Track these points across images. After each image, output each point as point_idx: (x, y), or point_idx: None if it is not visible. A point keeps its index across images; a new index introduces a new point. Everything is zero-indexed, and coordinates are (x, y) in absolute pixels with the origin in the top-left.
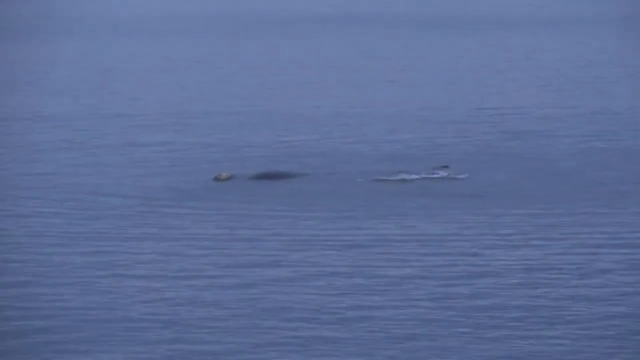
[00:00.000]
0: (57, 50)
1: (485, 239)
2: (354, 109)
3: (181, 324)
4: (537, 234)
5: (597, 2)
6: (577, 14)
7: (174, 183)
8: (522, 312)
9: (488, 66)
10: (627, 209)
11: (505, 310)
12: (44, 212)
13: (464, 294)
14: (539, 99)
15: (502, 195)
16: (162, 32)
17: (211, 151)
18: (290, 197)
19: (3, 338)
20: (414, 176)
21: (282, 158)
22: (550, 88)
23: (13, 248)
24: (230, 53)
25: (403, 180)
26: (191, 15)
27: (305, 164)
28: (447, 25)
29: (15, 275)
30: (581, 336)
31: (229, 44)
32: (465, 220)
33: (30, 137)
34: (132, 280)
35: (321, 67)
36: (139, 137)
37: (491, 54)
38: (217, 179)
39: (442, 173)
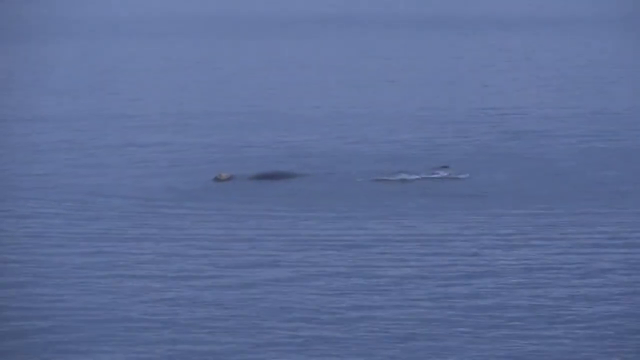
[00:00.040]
0: (57, 51)
1: (485, 239)
2: (354, 109)
3: (181, 324)
4: (537, 234)
5: (597, 2)
6: (577, 14)
7: (174, 183)
8: (522, 312)
9: (488, 66)
10: (627, 209)
11: (505, 310)
12: (44, 212)
13: (463, 294)
14: (539, 99)
15: (502, 195)
16: (162, 32)
17: (211, 151)
18: (290, 198)
19: (3, 338)
20: (414, 176)
21: (282, 158)
22: (550, 88)
23: (13, 248)
24: (230, 53)
25: (403, 181)
26: (191, 15)
27: (305, 164)
28: (447, 25)
29: (14, 276)
30: (581, 336)
31: (229, 44)
32: (465, 220)
33: (30, 138)
34: (132, 281)
35: (321, 67)
36: (139, 138)
37: (491, 54)
38: (217, 179)
39: (442, 173)
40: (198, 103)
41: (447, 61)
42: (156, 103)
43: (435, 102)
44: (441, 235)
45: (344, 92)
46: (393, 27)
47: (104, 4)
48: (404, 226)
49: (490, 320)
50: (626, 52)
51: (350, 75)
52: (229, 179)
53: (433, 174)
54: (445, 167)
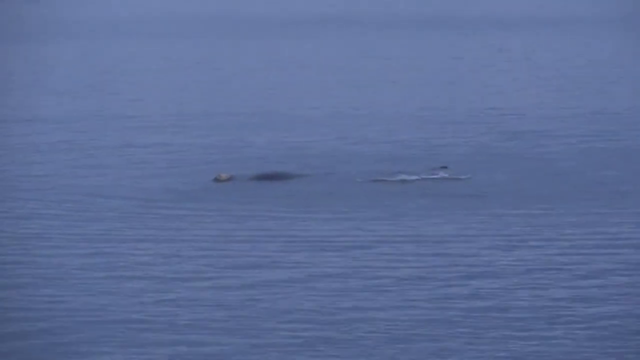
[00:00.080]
0: (57, 51)
1: (485, 239)
2: (354, 109)
3: (181, 325)
4: (537, 235)
5: (597, 2)
6: (577, 14)
7: (174, 184)
8: (522, 313)
9: (488, 66)
10: (627, 209)
11: (505, 311)
12: (43, 213)
13: (463, 294)
14: (539, 99)
15: (502, 196)
16: (162, 32)
17: (211, 152)
18: (290, 198)
19: (2, 339)
20: (414, 177)
21: (282, 158)
22: (550, 88)
23: (12, 249)
24: (230, 53)
25: (403, 181)
26: (191, 15)
27: (305, 164)
28: (447, 25)
29: (14, 277)
30: (581, 337)
31: (229, 44)
32: (465, 221)
33: (29, 139)
34: (132, 282)
35: (321, 67)
36: (138, 138)
37: (491, 54)
38: (216, 180)
39: (442, 173)
40: (198, 103)
41: (447, 61)
42: (156, 103)
43: (435, 102)
44: (441, 235)
45: (344, 92)
46: (393, 27)
47: (104, 4)
48: (403, 227)
49: (490, 321)
50: (626, 52)
51: (350, 75)
52: (229, 179)
53: (433, 174)
54: (444, 167)
